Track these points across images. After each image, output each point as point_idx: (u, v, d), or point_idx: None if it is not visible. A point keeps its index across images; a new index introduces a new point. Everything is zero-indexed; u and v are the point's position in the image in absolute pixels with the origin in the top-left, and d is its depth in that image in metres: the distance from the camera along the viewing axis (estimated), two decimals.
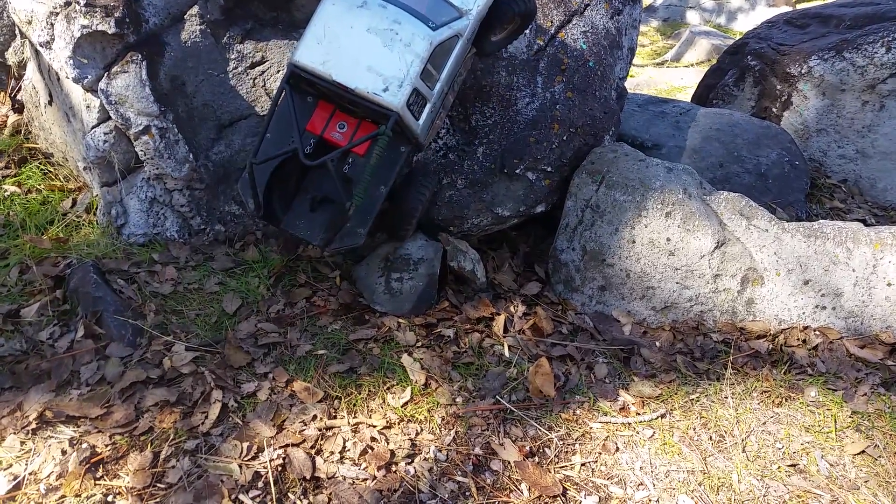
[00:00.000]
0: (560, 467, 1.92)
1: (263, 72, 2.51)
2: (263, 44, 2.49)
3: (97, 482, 1.64)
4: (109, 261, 2.39)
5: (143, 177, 2.51)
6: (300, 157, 1.94)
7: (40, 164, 2.91)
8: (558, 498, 1.80)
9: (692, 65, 8.29)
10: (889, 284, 2.49)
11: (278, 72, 2.52)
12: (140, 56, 2.33)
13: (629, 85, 6.64)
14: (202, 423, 1.84)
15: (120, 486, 1.64)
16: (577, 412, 2.12)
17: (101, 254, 2.42)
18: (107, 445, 1.74)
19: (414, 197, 2.30)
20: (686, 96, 5.84)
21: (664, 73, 7.90)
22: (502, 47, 2.40)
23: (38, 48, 2.34)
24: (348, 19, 1.96)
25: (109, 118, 2.40)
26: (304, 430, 1.88)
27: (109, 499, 1.61)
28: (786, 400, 2.25)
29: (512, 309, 2.53)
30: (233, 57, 2.48)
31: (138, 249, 2.50)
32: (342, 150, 2.07)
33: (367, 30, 1.95)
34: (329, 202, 2.20)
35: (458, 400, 2.10)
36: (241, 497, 1.65)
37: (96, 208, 2.63)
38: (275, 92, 1.98)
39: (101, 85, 2.32)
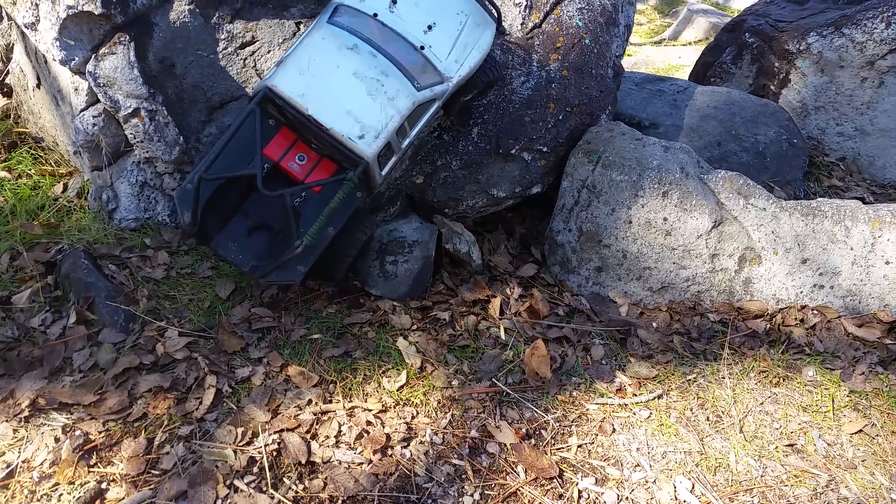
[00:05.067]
0: (556, 449, 1.91)
1: (254, 52, 2.47)
2: (253, 23, 2.45)
3: (91, 469, 1.63)
4: (101, 246, 2.36)
5: (133, 160, 2.48)
6: (258, 185, 1.87)
7: (30, 148, 2.87)
8: (555, 480, 1.80)
9: (690, 43, 8.22)
10: (887, 263, 2.48)
11: (269, 52, 2.48)
12: (128, 37, 2.29)
13: (626, 63, 6.58)
14: (196, 409, 1.83)
15: (114, 473, 1.63)
16: (574, 394, 2.12)
17: (92, 239, 2.40)
18: (100, 432, 1.72)
19: (352, 239, 2.25)
20: (684, 75, 5.78)
21: (662, 52, 7.84)
22: (466, 108, 2.46)
23: (24, 30, 2.30)
24: (336, 58, 1.94)
25: (98, 101, 2.36)
26: (299, 414, 1.86)
27: (103, 486, 1.60)
28: (783, 380, 2.24)
29: (508, 291, 2.52)
30: (222, 37, 2.43)
31: (130, 234, 2.48)
32: (302, 187, 2.04)
33: (354, 74, 1.93)
34: (267, 229, 2.15)
35: (454, 383, 2.09)
36: (237, 482, 1.64)
37: (87, 193, 2.60)
38: (244, 112, 1.93)
39: (89, 67, 2.28)
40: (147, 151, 2.43)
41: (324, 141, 1.95)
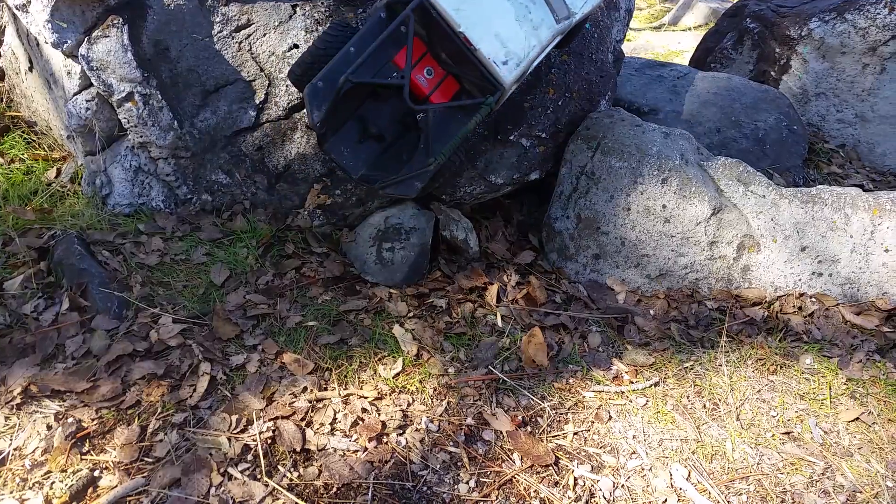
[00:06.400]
0: (553, 436, 1.90)
1: (249, 35, 2.44)
2: (249, 6, 2.41)
3: (83, 457, 1.62)
4: (94, 232, 2.34)
5: (127, 145, 2.46)
6: (405, 99, 1.87)
7: (23, 132, 2.84)
8: (550, 467, 1.79)
9: (690, 28, 8.17)
10: (886, 250, 2.46)
11: (264, 35, 2.44)
12: (121, 20, 2.26)
13: (626, 49, 6.53)
14: (190, 397, 1.82)
15: (107, 461, 1.62)
16: (570, 381, 2.11)
17: (85, 225, 2.38)
18: (93, 419, 1.71)
19: (461, 156, 2.29)
20: (684, 60, 5.75)
21: (662, 37, 7.79)
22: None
23: (16, 11, 2.27)
24: None
25: (91, 85, 2.33)
26: (294, 402, 1.85)
27: (96, 473, 1.59)
28: (780, 367, 2.23)
29: (505, 278, 2.50)
30: (217, 20, 2.40)
31: (124, 220, 2.45)
32: (447, 104, 2.03)
33: None
34: (378, 140, 2.13)
35: (451, 370, 2.07)
36: (231, 470, 1.63)
37: (81, 178, 2.58)
38: (398, 14, 1.90)
39: (82, 50, 2.25)
40: (141, 136, 2.40)
41: (461, 59, 1.92)
